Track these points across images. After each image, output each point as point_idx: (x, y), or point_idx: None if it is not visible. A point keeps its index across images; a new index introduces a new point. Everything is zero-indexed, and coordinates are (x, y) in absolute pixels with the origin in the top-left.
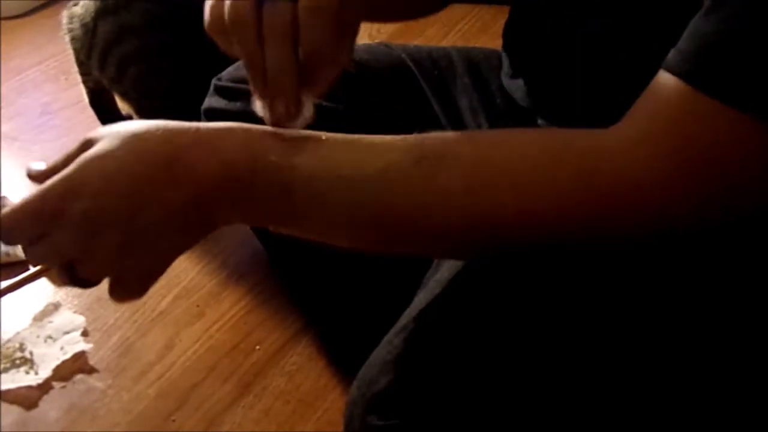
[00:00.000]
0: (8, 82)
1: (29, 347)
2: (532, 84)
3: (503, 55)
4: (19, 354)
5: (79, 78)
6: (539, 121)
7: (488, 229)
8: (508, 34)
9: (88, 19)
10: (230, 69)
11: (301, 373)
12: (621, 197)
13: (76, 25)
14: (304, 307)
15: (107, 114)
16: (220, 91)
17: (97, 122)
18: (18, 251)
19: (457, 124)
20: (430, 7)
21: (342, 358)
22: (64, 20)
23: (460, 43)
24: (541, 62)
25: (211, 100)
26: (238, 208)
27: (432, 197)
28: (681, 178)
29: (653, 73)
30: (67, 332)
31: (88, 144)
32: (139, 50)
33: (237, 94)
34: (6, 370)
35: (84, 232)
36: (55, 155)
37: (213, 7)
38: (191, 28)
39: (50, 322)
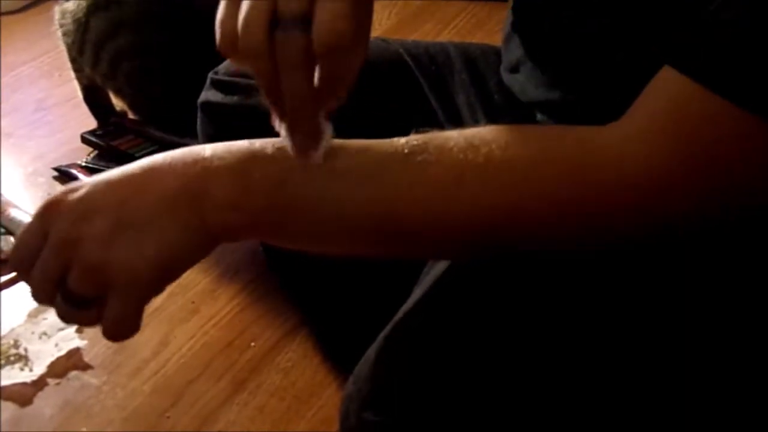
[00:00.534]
0: (3, 79)
1: (24, 344)
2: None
3: (502, 50)
4: (13, 351)
5: (73, 74)
6: (538, 117)
7: (484, 226)
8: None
9: (80, 14)
10: (226, 62)
11: (296, 370)
12: (620, 194)
13: (68, 20)
14: (300, 304)
15: (101, 110)
16: (217, 85)
17: (91, 118)
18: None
19: (455, 119)
20: None
21: (337, 354)
22: (56, 16)
23: (455, 40)
24: (541, 61)
25: (208, 94)
26: (231, 199)
27: (425, 194)
28: (683, 175)
29: (652, 72)
30: (62, 329)
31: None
32: (132, 46)
33: (233, 87)
34: (0, 366)
35: (76, 218)
36: (50, 151)
37: (223, 24)
38: (184, 22)
39: (45, 318)
